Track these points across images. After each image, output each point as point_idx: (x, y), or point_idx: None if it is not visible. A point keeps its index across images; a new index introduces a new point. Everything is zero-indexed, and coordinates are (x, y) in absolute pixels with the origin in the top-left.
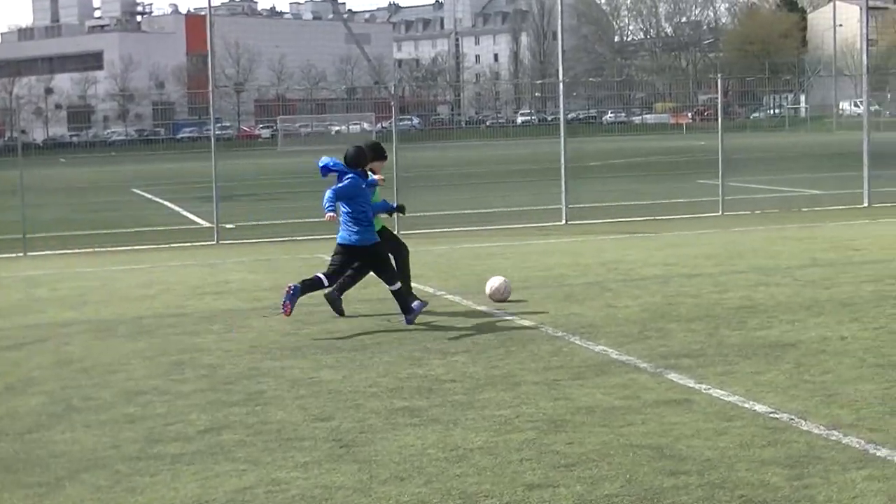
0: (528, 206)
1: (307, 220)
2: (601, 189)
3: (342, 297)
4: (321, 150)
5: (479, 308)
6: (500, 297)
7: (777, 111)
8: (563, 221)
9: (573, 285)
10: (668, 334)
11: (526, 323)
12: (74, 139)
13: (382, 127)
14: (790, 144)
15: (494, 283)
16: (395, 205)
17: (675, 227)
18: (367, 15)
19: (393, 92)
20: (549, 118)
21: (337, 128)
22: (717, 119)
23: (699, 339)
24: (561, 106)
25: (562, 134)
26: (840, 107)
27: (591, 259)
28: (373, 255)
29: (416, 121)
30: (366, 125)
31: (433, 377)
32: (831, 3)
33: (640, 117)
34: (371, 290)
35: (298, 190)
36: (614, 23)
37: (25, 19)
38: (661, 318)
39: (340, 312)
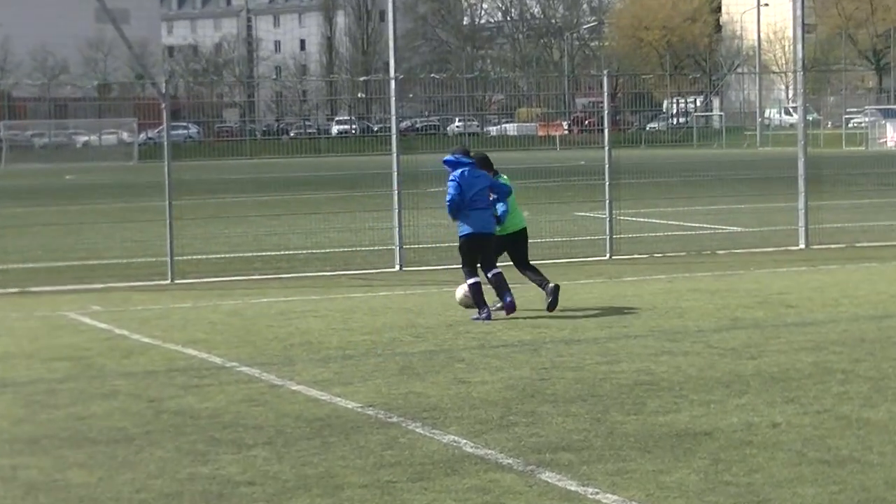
0: (348, 245)
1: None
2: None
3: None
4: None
5: (285, 384)
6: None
7: (682, 120)
8: (398, 268)
9: (411, 354)
10: (541, 419)
11: (349, 404)
12: None
13: (148, 138)
14: (700, 164)
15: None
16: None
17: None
18: None
19: (163, 90)
20: (376, 128)
21: (84, 138)
22: (601, 130)
23: (582, 425)
24: (392, 111)
25: (394, 149)
26: (766, 115)
27: (434, 319)
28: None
29: (193, 129)
30: (125, 135)
31: (224, 478)
32: None
33: (497, 127)
34: (133, 360)
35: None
36: (463, 0)
37: None
38: (531, 397)
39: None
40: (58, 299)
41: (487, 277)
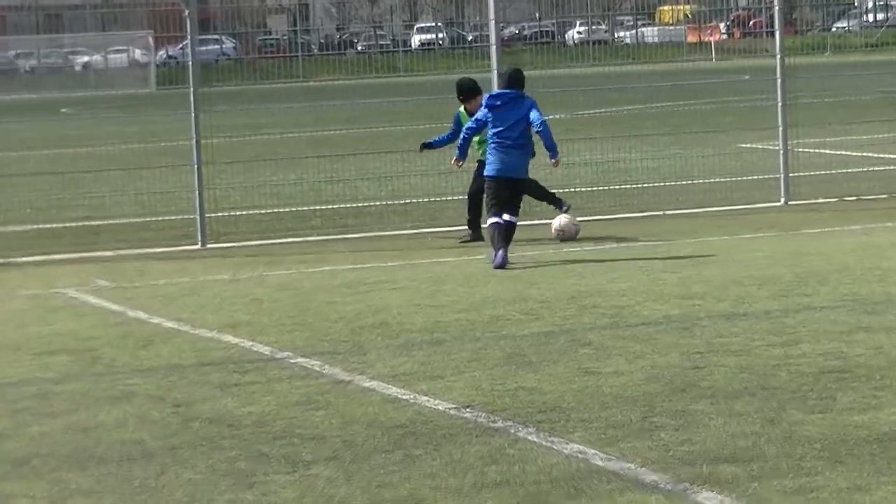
0: (435, 194)
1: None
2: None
3: None
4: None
5: (355, 380)
6: (569, 235)
7: (883, 17)
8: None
9: (521, 336)
10: (695, 421)
11: (440, 405)
12: None
13: (169, 57)
14: None
15: (560, 221)
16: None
17: (695, 227)
18: None
19: None
20: (471, 37)
21: (85, 59)
22: (771, 33)
23: (751, 428)
24: (491, 14)
25: (493, 65)
26: None
27: (550, 289)
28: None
29: (229, 45)
30: (138, 54)
31: None
32: None
33: (632, 32)
34: (153, 352)
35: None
36: None
37: None
38: (682, 392)
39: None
40: (52, 272)
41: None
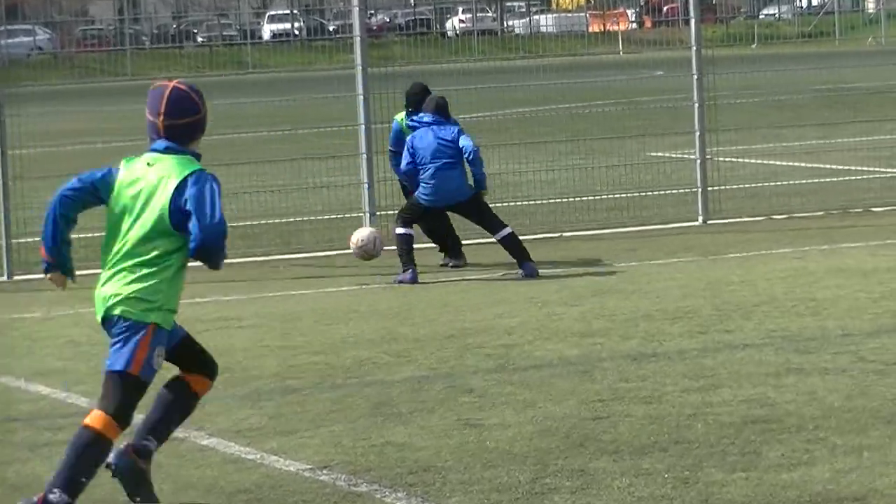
0: (291, 215)
1: None
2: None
3: None
4: None
5: (187, 435)
6: (368, 252)
7: (816, 3)
8: None
9: (388, 382)
10: (596, 482)
11: (291, 466)
12: None
13: None
14: (845, 72)
15: (361, 233)
16: None
17: (599, 251)
18: None
19: None
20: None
21: None
22: (686, 21)
23: (662, 490)
24: (355, 1)
25: (358, 59)
26: None
27: (426, 326)
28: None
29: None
30: None
31: None
32: None
33: (524, 20)
34: None
35: None
36: None
37: None
38: (579, 448)
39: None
40: None
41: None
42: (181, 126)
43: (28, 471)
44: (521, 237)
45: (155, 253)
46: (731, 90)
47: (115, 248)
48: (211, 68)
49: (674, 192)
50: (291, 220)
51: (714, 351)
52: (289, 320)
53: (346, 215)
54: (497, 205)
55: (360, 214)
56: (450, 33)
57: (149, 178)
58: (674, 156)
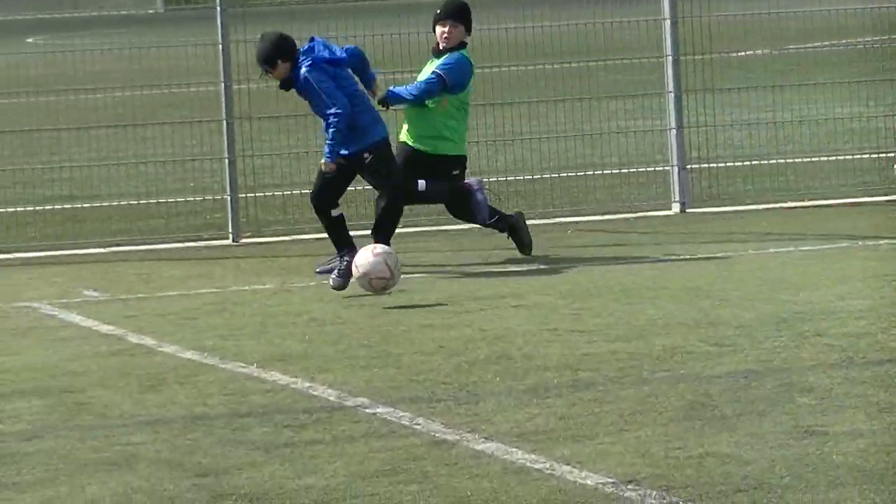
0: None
1: None
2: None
3: None
4: None
5: (459, 438)
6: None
7: None
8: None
9: (707, 377)
10: None
11: (588, 479)
12: None
13: None
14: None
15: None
16: None
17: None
18: None
19: None
20: None
21: None
22: None
23: None
24: None
25: None
26: None
27: (738, 309)
28: None
29: None
30: None
31: None
32: None
33: None
34: (168, 396)
35: None
36: None
37: None
38: None
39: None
40: (16, 278)
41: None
42: None
43: (264, 476)
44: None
45: None
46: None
47: None
48: None
49: (637, 170)
50: (579, 173)
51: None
52: (580, 298)
53: (649, 168)
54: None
55: (667, 168)
56: None
57: None
58: (633, 123)
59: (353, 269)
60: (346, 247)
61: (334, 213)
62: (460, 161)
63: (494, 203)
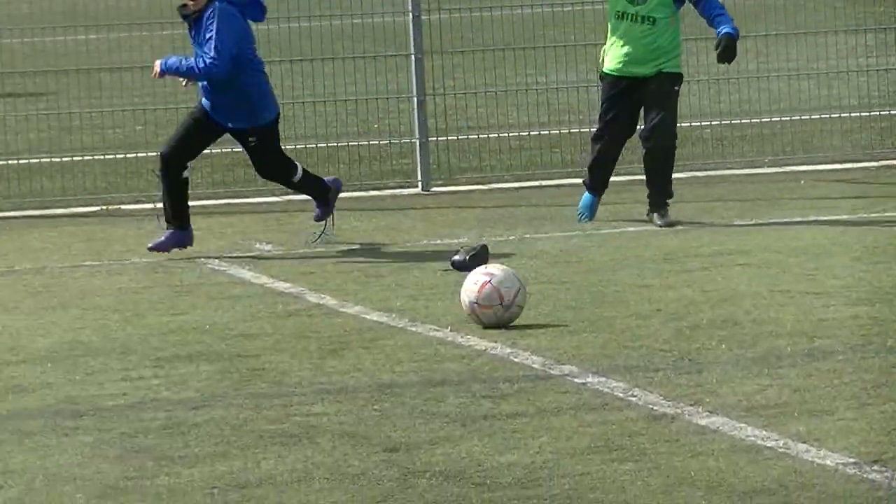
0: None
1: None
2: None
3: None
4: None
5: (679, 411)
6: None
7: None
8: None
9: None
10: None
11: (826, 460)
12: None
13: None
14: None
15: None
16: None
17: None
18: None
19: None
20: None
21: None
22: None
23: None
24: None
25: None
26: None
27: None
28: None
29: None
30: None
31: None
32: None
33: None
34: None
35: None
36: None
37: None
38: None
39: None
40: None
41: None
42: None
43: (460, 452)
44: None
45: None
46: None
47: None
48: None
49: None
50: (813, 116)
51: None
52: (814, 256)
53: (884, 112)
54: None
55: None
56: None
57: None
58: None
59: (463, 294)
60: (179, 226)
61: (185, 174)
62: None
63: None
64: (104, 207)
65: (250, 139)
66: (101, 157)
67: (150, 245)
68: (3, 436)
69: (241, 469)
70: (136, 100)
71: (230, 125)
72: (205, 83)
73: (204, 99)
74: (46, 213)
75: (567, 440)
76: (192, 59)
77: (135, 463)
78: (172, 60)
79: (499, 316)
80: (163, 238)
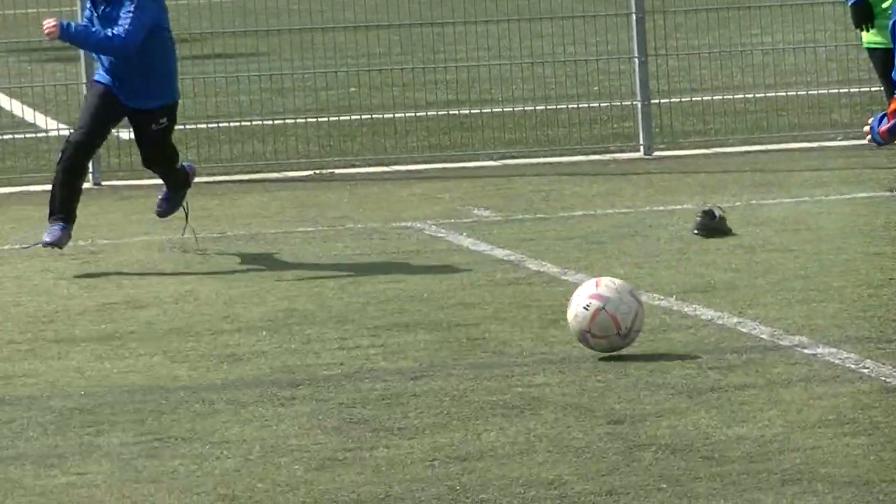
0: None
1: None
2: None
3: None
4: None
5: None
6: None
7: None
8: None
9: None
10: None
11: None
12: None
13: None
14: None
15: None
16: None
17: None
18: None
19: None
20: None
21: None
22: None
23: None
24: None
25: None
26: None
27: None
28: None
29: None
30: None
31: None
32: None
33: None
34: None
35: None
36: None
37: None
38: None
39: None
40: (395, 192)
41: None
42: None
43: (687, 425)
44: None
45: None
46: None
47: None
48: None
49: (596, 105)
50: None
51: None
52: None
53: None
54: None
55: None
56: None
57: None
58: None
59: (572, 318)
60: (68, 219)
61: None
62: None
63: None
64: (317, 171)
65: (161, 119)
66: (314, 119)
67: (45, 240)
68: (219, 405)
69: (461, 441)
70: (350, 61)
71: (140, 105)
72: (114, 58)
73: (105, 75)
74: (257, 178)
75: (797, 413)
76: (101, 30)
77: (353, 434)
78: (79, 28)
79: (614, 345)
80: (59, 233)
